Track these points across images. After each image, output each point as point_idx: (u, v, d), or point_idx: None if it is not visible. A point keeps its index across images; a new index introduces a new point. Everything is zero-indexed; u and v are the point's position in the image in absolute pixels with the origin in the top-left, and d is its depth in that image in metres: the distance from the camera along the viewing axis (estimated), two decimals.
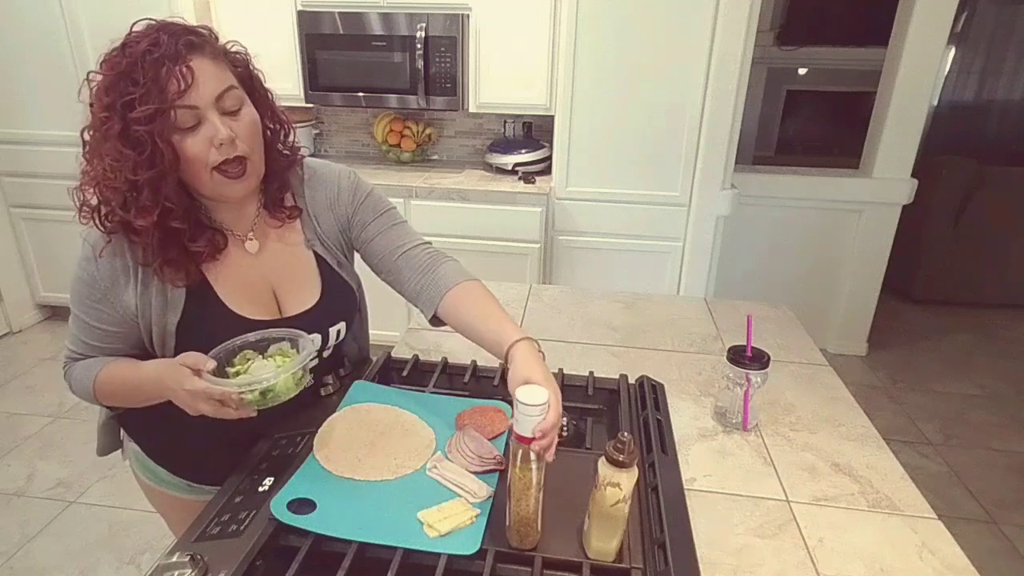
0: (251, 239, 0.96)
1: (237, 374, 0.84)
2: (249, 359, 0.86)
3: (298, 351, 0.87)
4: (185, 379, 0.79)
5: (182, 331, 0.90)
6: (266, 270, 0.97)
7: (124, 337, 0.92)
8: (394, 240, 1.03)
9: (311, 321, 0.98)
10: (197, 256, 0.89)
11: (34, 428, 2.51)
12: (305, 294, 1.00)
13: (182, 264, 0.88)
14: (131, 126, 0.77)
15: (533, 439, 0.71)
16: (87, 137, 0.83)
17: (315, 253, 1.02)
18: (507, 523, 0.77)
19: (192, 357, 0.81)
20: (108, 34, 0.84)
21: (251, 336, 0.88)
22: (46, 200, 3.03)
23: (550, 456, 0.74)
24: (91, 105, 0.82)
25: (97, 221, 0.86)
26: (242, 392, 0.80)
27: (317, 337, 0.99)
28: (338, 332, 1.04)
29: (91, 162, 0.82)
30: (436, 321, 1.00)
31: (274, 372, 0.82)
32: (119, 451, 1.12)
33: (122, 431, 1.08)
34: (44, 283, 3.29)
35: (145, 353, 0.93)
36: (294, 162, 1.00)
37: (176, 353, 0.87)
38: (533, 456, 0.72)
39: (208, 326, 0.91)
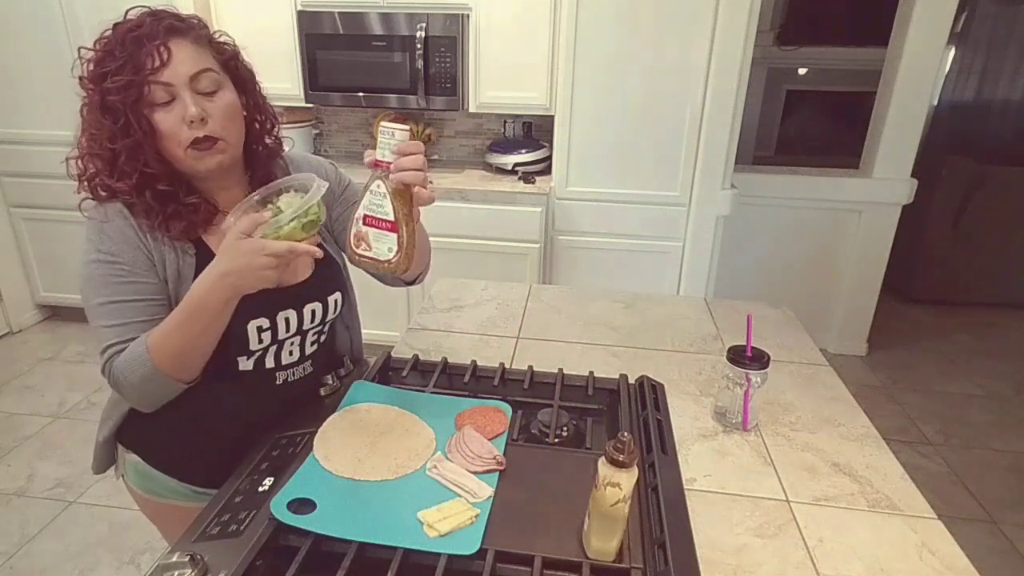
0: None
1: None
2: (270, 205, 0.86)
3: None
4: (263, 246, 0.78)
5: None
6: None
7: (165, 306, 0.90)
8: None
9: (310, 289, 1.01)
10: (195, 209, 0.91)
11: (34, 428, 2.51)
12: (300, 265, 1.02)
13: (184, 215, 0.90)
14: (106, 96, 0.83)
15: (390, 164, 0.82)
16: (83, 112, 0.88)
17: None
18: (393, 257, 0.85)
19: (245, 223, 0.80)
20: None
21: (260, 191, 0.88)
22: (46, 200, 3.03)
23: (409, 181, 0.83)
24: (80, 79, 0.87)
25: (90, 188, 0.89)
26: (307, 214, 0.81)
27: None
28: (335, 302, 1.06)
29: (83, 133, 0.88)
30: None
31: (314, 189, 0.83)
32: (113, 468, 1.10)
33: (119, 446, 1.06)
34: (44, 283, 3.29)
35: None
36: (278, 152, 1.04)
37: None
38: (391, 185, 0.82)
39: None
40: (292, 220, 0.81)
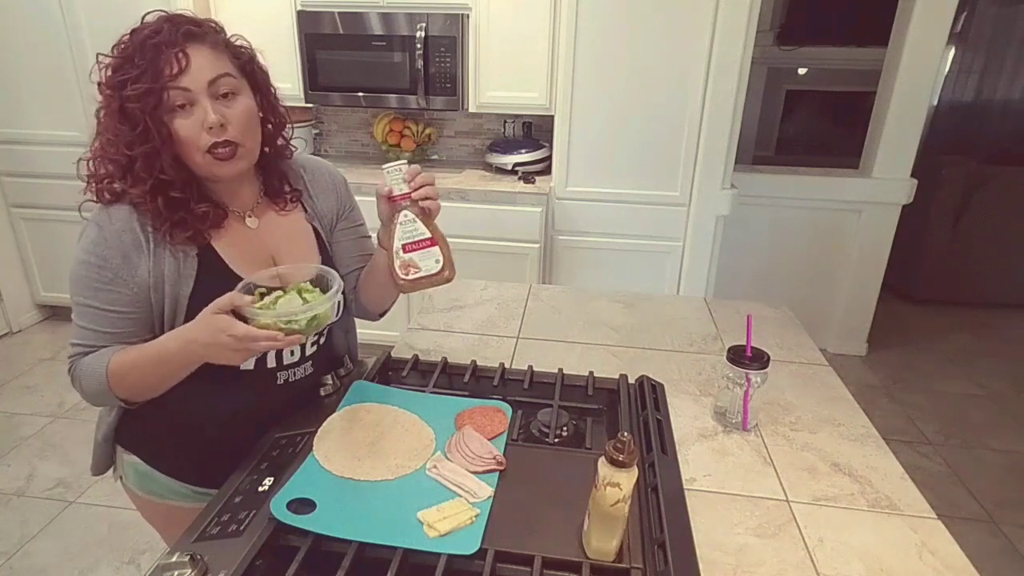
0: (251, 216, 1.00)
1: (263, 308, 0.83)
2: (264, 294, 0.86)
3: (321, 287, 0.89)
4: (229, 326, 0.78)
5: (194, 302, 0.90)
6: (267, 242, 1.00)
7: (137, 320, 0.90)
8: (367, 247, 1.16)
9: None
10: (203, 218, 0.92)
11: (34, 428, 2.51)
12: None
13: (190, 224, 0.90)
14: (125, 103, 0.83)
15: (409, 194, 0.91)
16: (100, 116, 0.89)
17: (314, 228, 1.07)
18: (443, 267, 0.94)
19: (224, 299, 0.80)
20: (108, 34, 0.89)
21: (263, 273, 0.90)
22: (46, 200, 3.03)
23: (431, 198, 0.93)
24: (98, 84, 0.87)
25: (96, 190, 0.90)
26: (290, 322, 0.81)
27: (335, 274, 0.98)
28: (339, 303, 1.05)
29: (98, 137, 0.89)
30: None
31: (324, 299, 0.84)
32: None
33: (117, 448, 1.05)
34: (44, 283, 3.29)
35: (155, 338, 0.91)
36: (285, 154, 1.05)
37: None
38: (415, 210, 0.92)
39: (220, 295, 0.90)
40: (271, 319, 0.80)
